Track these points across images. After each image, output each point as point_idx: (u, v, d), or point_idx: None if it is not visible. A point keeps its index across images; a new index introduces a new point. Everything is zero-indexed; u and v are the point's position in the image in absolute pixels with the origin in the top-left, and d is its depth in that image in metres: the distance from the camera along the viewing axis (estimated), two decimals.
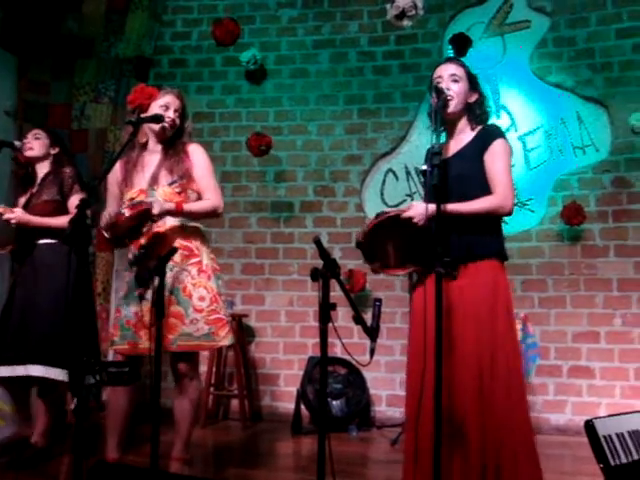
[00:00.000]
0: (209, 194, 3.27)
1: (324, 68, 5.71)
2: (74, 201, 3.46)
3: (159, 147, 3.31)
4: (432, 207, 2.40)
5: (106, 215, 3.06)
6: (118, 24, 5.66)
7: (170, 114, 3.26)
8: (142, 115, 3.21)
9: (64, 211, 3.76)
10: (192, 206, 3.19)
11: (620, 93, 5.18)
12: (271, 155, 5.51)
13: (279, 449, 4.47)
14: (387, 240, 2.54)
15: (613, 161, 5.16)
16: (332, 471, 2.35)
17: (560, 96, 5.31)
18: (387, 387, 5.20)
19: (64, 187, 3.82)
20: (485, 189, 2.65)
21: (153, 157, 3.28)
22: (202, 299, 3.16)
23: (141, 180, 3.23)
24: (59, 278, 3.61)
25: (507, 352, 2.59)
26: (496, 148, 2.67)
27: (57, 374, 3.62)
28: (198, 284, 3.18)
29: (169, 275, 3.04)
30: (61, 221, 3.66)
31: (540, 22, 5.41)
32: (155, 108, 3.25)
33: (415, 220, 2.55)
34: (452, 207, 2.53)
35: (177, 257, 3.08)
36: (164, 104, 3.27)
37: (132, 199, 3.18)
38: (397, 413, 5.04)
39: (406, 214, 2.55)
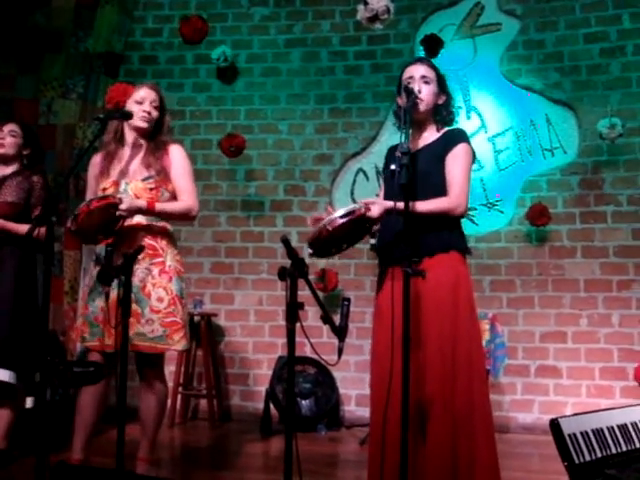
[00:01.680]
0: (185, 196, 3.23)
1: (295, 67, 5.70)
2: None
3: (142, 142, 3.28)
4: (390, 204, 2.47)
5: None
6: (88, 19, 5.56)
7: (145, 107, 3.24)
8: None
9: (25, 217, 3.64)
10: (165, 206, 3.16)
11: (588, 96, 5.25)
12: (242, 154, 5.48)
13: (248, 449, 4.45)
14: (337, 233, 2.53)
15: (581, 163, 5.23)
16: (299, 471, 2.34)
17: (529, 98, 5.36)
18: (357, 387, 5.21)
19: (32, 196, 3.69)
20: (443, 189, 2.68)
21: (134, 152, 3.25)
22: (160, 300, 3.12)
23: (116, 172, 3.20)
24: (6, 280, 3.55)
25: (469, 342, 2.61)
26: (458, 151, 2.70)
27: (5, 376, 3.53)
28: (158, 284, 3.14)
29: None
30: (21, 229, 3.54)
31: (510, 25, 5.46)
32: (131, 104, 3.24)
33: (377, 218, 2.56)
34: (410, 205, 2.52)
35: (140, 255, 3.03)
36: (139, 99, 3.25)
37: (105, 189, 3.15)
38: (366, 413, 4.97)
39: (371, 214, 2.54)
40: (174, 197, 3.25)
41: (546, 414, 4.78)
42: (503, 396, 5.09)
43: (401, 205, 2.38)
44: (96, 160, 3.30)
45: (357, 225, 2.57)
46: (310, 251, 2.61)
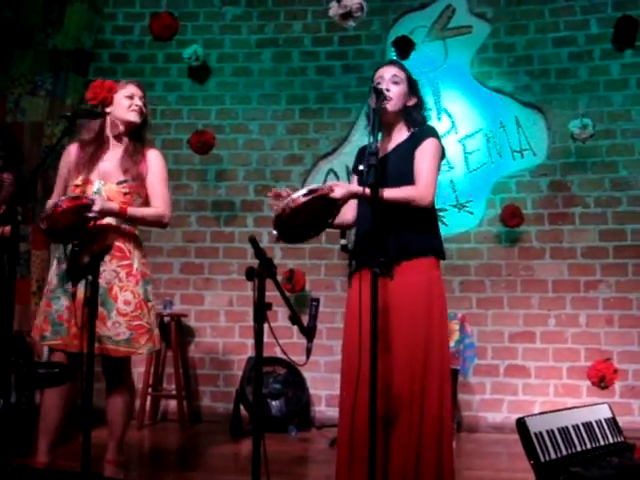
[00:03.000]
0: (158, 202, 3.21)
1: (267, 67, 5.69)
2: None
3: (123, 141, 3.24)
4: (358, 188, 2.51)
5: (48, 204, 2.98)
6: (57, 15, 5.48)
7: (137, 102, 3.23)
8: (106, 108, 3.19)
9: None
10: (136, 211, 3.13)
11: (557, 99, 5.32)
12: (212, 154, 5.46)
13: (218, 450, 4.43)
14: (300, 213, 2.51)
15: (550, 165, 5.29)
16: (267, 472, 2.33)
17: (500, 101, 5.41)
18: (327, 387, 5.21)
19: (0, 194, 3.68)
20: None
21: (113, 151, 3.22)
22: (127, 303, 3.09)
23: (92, 170, 3.16)
24: None
25: (440, 346, 2.62)
26: (427, 146, 2.70)
27: None
28: (125, 287, 3.10)
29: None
30: None
31: (481, 28, 5.51)
32: (121, 99, 3.22)
33: (340, 201, 2.54)
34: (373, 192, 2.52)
35: (107, 258, 3.00)
36: (129, 94, 3.23)
37: (77, 186, 3.12)
38: (337, 413, 4.92)
39: (334, 195, 2.52)
40: (147, 203, 3.22)
41: (515, 413, 4.81)
42: (472, 396, 5.14)
43: (365, 190, 2.37)
44: (72, 150, 3.25)
45: (321, 207, 2.54)
46: (275, 233, 2.56)
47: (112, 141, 3.24)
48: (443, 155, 2.79)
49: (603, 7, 5.32)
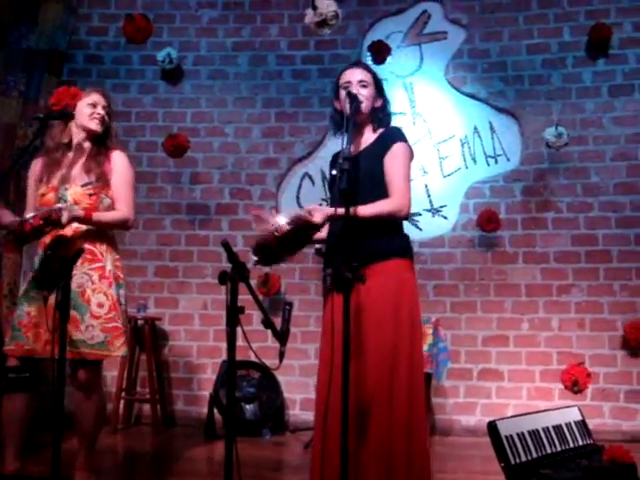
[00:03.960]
0: (121, 205, 3.20)
1: (243, 70, 5.68)
2: None
3: (86, 147, 3.23)
4: (338, 211, 2.46)
5: (16, 220, 2.96)
6: (31, 14, 5.41)
7: (99, 111, 3.23)
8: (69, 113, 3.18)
9: None
10: (101, 216, 3.12)
11: (530, 105, 5.37)
12: (187, 157, 5.44)
13: (191, 454, 4.40)
14: (282, 240, 2.52)
15: (523, 171, 5.35)
16: (239, 476, 2.33)
17: (474, 106, 5.46)
18: (301, 391, 5.22)
19: None
20: (386, 189, 2.69)
21: (76, 156, 3.21)
22: (101, 306, 3.08)
23: (56, 176, 3.16)
24: None
25: (410, 348, 2.63)
26: (396, 151, 2.71)
27: None
28: (98, 290, 3.09)
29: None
30: None
31: (456, 34, 5.56)
32: (83, 107, 3.22)
33: (320, 224, 2.56)
34: (352, 211, 2.52)
35: (79, 260, 2.98)
36: (92, 102, 3.24)
37: (43, 195, 3.12)
38: (311, 417, 4.95)
39: (315, 220, 2.54)
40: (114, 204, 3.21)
41: (488, 416, 4.78)
42: (446, 399, 5.16)
43: (341, 211, 2.38)
44: (36, 166, 3.26)
45: (301, 232, 2.57)
46: (255, 259, 2.59)
47: (75, 147, 3.23)
48: (412, 156, 2.80)
49: (576, 15, 5.40)
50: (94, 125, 3.21)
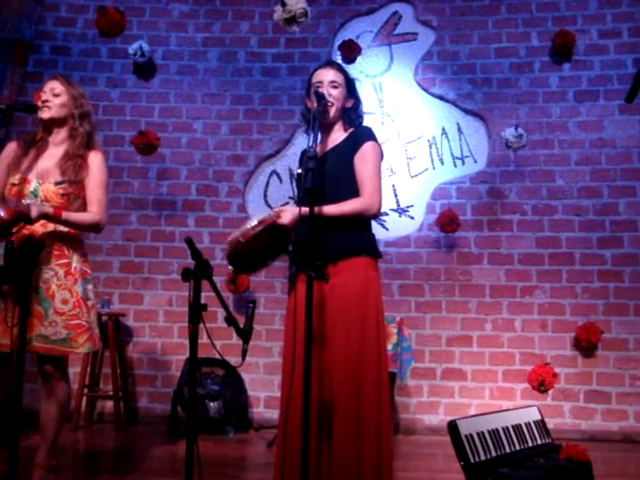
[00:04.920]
0: (94, 207, 3.14)
1: (213, 66, 5.66)
2: None
3: (63, 142, 3.18)
4: (304, 210, 2.44)
5: None
6: None
7: (46, 97, 3.15)
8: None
9: None
10: (71, 216, 3.06)
11: (497, 108, 5.43)
12: (154, 152, 5.39)
13: (154, 452, 4.36)
14: (253, 244, 2.53)
15: (489, 172, 5.40)
16: (199, 474, 2.32)
17: (442, 107, 5.50)
18: (265, 389, 5.21)
19: None
20: (355, 188, 2.70)
21: (52, 151, 3.15)
22: (65, 302, 3.04)
23: (31, 169, 3.10)
24: None
25: (377, 346, 2.64)
26: (366, 150, 2.72)
27: None
28: (63, 286, 3.05)
29: (34, 272, 2.91)
30: None
31: (426, 35, 5.60)
32: (38, 100, 3.17)
33: (288, 226, 2.56)
34: (320, 209, 2.54)
35: (45, 256, 2.95)
36: (43, 91, 3.18)
37: (14, 185, 3.06)
38: (275, 415, 5.02)
39: (282, 221, 2.55)
40: (85, 205, 3.16)
41: (451, 416, 4.83)
42: (410, 398, 5.20)
43: (306, 210, 2.38)
44: (11, 147, 3.20)
45: (274, 234, 2.56)
46: (230, 268, 2.62)
47: (51, 140, 3.19)
48: (382, 155, 2.81)
49: (544, 21, 5.48)
50: (41, 113, 3.14)
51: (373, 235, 2.80)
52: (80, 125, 3.21)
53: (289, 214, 2.56)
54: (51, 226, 3.06)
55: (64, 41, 5.66)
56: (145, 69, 5.62)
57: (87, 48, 5.66)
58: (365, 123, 2.89)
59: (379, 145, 2.79)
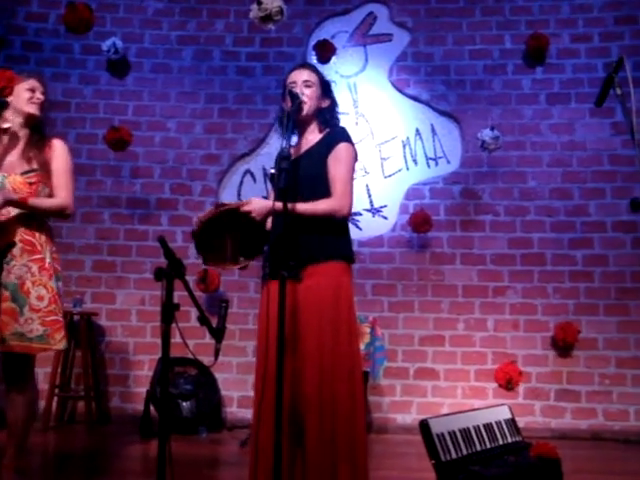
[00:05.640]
0: (61, 192, 3.13)
1: (187, 65, 5.64)
2: None
3: (23, 134, 3.15)
4: (276, 205, 2.44)
5: None
6: None
7: (39, 95, 3.17)
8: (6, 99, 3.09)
9: None
10: (38, 202, 3.05)
11: (471, 109, 5.48)
12: (128, 150, 5.36)
13: (126, 452, 4.34)
14: (225, 233, 2.52)
15: (462, 173, 5.45)
16: (172, 474, 2.31)
17: (416, 108, 5.53)
18: (238, 388, 5.20)
19: None
20: (328, 190, 2.69)
21: (12, 143, 3.12)
22: (41, 298, 3.00)
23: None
24: None
25: (349, 347, 2.64)
26: (339, 151, 2.72)
27: None
28: (38, 282, 3.02)
29: (6, 269, 2.88)
30: None
31: (401, 36, 5.63)
32: (21, 91, 3.14)
33: (253, 215, 2.55)
34: (292, 207, 2.53)
35: (17, 251, 2.94)
36: (30, 87, 3.16)
37: None
38: (248, 414, 5.02)
39: (245, 208, 2.54)
40: (52, 193, 3.15)
41: (424, 415, 4.88)
42: (382, 398, 5.22)
43: (280, 205, 2.38)
44: None
45: (246, 228, 2.55)
46: (198, 255, 2.60)
47: (11, 133, 3.16)
48: (356, 157, 2.80)
49: (517, 25, 5.54)
50: (33, 109, 3.14)
51: (349, 239, 2.79)
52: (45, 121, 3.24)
53: (258, 205, 2.56)
54: (18, 214, 3.02)
55: (36, 36, 5.59)
56: (119, 66, 5.57)
57: (59, 44, 5.60)
58: (340, 124, 2.89)
59: (353, 146, 2.78)
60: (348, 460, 2.55)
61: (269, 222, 2.70)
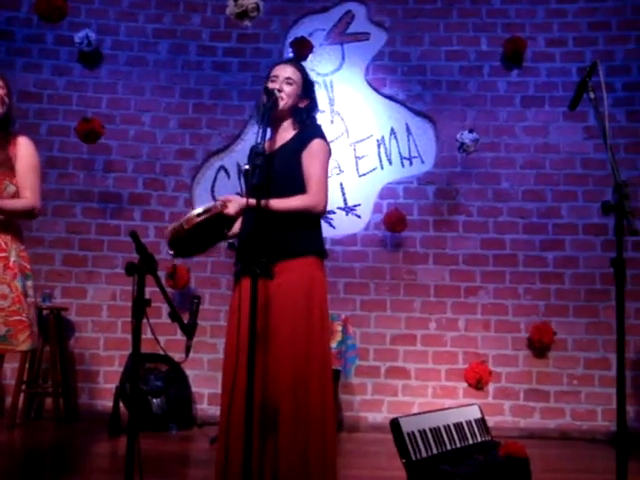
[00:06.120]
0: (28, 193, 3.05)
1: (162, 58, 5.59)
2: None
3: None
4: (251, 202, 2.45)
5: None
6: None
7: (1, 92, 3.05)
8: None
9: None
10: (5, 203, 2.97)
11: (447, 110, 5.50)
12: (101, 144, 5.31)
13: (94, 450, 4.28)
14: (195, 231, 2.51)
15: (437, 173, 5.47)
16: (140, 471, 2.29)
17: (392, 108, 5.54)
18: (209, 385, 5.17)
19: None
20: (302, 187, 2.69)
21: None
22: (4, 297, 2.93)
23: None
24: None
25: (322, 345, 2.64)
26: (313, 148, 2.71)
27: None
28: (2, 280, 2.95)
29: None
30: None
31: (378, 36, 5.64)
32: None
33: (232, 214, 2.55)
34: (266, 203, 2.52)
35: None
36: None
37: None
38: (219, 411, 4.99)
39: (228, 212, 2.54)
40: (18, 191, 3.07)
41: (394, 414, 4.90)
42: (354, 396, 5.23)
43: (253, 202, 2.38)
44: None
45: (216, 222, 2.55)
46: (171, 252, 2.60)
47: None
48: (330, 153, 2.80)
49: (493, 27, 5.57)
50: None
51: (321, 234, 2.80)
52: (11, 115, 3.14)
53: (235, 205, 2.55)
54: None
55: (7, 25, 5.49)
56: (92, 58, 5.51)
57: (32, 34, 5.50)
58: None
59: (327, 143, 2.78)
60: (319, 459, 2.56)
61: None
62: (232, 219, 2.62)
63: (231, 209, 2.54)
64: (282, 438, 2.53)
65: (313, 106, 2.84)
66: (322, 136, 2.76)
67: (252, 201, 2.42)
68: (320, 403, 2.59)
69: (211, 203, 2.57)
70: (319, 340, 2.64)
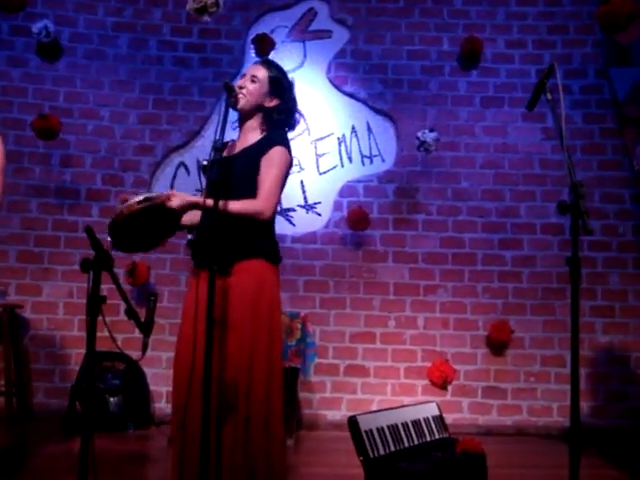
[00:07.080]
0: None
1: (122, 53, 5.51)
2: None
3: None
4: (195, 199, 2.47)
5: None
6: None
7: None
8: None
9: None
10: None
11: (407, 109, 5.53)
12: (58, 138, 5.21)
13: (47, 451, 4.20)
14: (140, 222, 2.46)
15: (397, 172, 5.49)
16: (94, 472, 2.26)
17: (353, 106, 5.55)
18: (167, 383, 4.97)
19: None
20: (256, 192, 2.66)
21: None
22: None
23: None
24: None
25: (269, 349, 2.63)
26: (273, 155, 2.68)
27: None
28: None
29: None
30: None
31: (340, 34, 5.64)
32: None
33: (175, 209, 2.51)
34: (214, 202, 2.46)
35: None
36: None
37: None
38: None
39: (171, 204, 2.49)
40: None
41: (353, 411, 4.88)
42: (313, 394, 5.23)
43: (208, 202, 2.36)
44: None
45: (159, 218, 2.50)
46: (109, 240, 2.49)
47: None
48: (291, 163, 2.76)
49: (454, 27, 5.62)
50: None
51: (274, 240, 2.77)
52: None
53: (179, 199, 2.51)
54: None
55: None
56: (50, 50, 5.40)
57: None
58: (288, 127, 2.87)
59: (289, 152, 2.75)
60: (262, 461, 2.56)
61: (189, 213, 2.65)
62: (176, 218, 2.56)
63: (174, 202, 2.49)
64: (225, 441, 2.52)
65: (283, 106, 2.81)
66: (285, 144, 2.73)
67: (197, 198, 2.40)
68: (263, 406, 2.57)
69: (155, 193, 2.52)
70: (265, 344, 2.62)
